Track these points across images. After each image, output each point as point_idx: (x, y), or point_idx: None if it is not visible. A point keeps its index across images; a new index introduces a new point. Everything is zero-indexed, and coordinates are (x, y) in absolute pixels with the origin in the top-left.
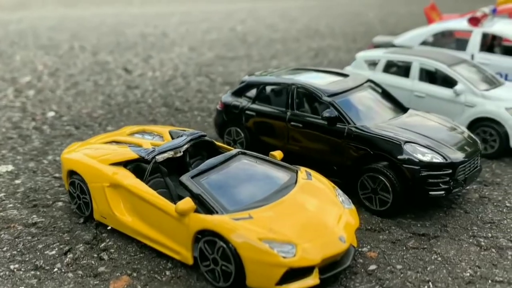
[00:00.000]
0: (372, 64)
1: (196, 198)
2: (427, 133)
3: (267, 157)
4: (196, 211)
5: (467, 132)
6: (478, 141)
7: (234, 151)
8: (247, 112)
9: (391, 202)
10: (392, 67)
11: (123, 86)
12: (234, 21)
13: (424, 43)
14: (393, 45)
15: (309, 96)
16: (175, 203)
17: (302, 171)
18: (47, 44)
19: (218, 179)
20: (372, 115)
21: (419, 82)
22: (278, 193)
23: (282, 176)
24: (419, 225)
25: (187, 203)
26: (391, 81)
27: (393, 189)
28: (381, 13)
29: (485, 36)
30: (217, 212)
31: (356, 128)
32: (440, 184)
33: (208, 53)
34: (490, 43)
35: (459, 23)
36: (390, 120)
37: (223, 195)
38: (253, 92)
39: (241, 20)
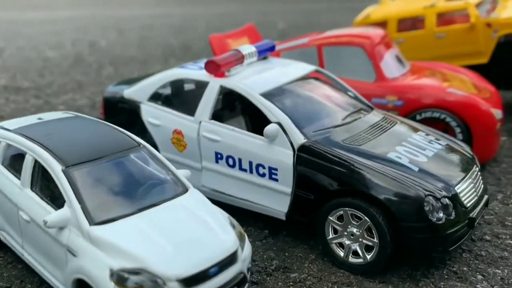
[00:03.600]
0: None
1: None
2: None
3: None
4: None
5: None
6: None
7: None
8: None
9: None
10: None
11: None
12: (109, 32)
13: (156, 96)
14: (122, 99)
15: None
16: None
17: None
18: None
19: None
20: None
21: (30, 193)
22: None
23: None
24: None
25: None
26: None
27: None
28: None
29: (226, 92)
30: None
31: None
32: None
33: (3, 80)
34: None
35: (196, 70)
36: None
37: None
38: None
39: (120, 30)
